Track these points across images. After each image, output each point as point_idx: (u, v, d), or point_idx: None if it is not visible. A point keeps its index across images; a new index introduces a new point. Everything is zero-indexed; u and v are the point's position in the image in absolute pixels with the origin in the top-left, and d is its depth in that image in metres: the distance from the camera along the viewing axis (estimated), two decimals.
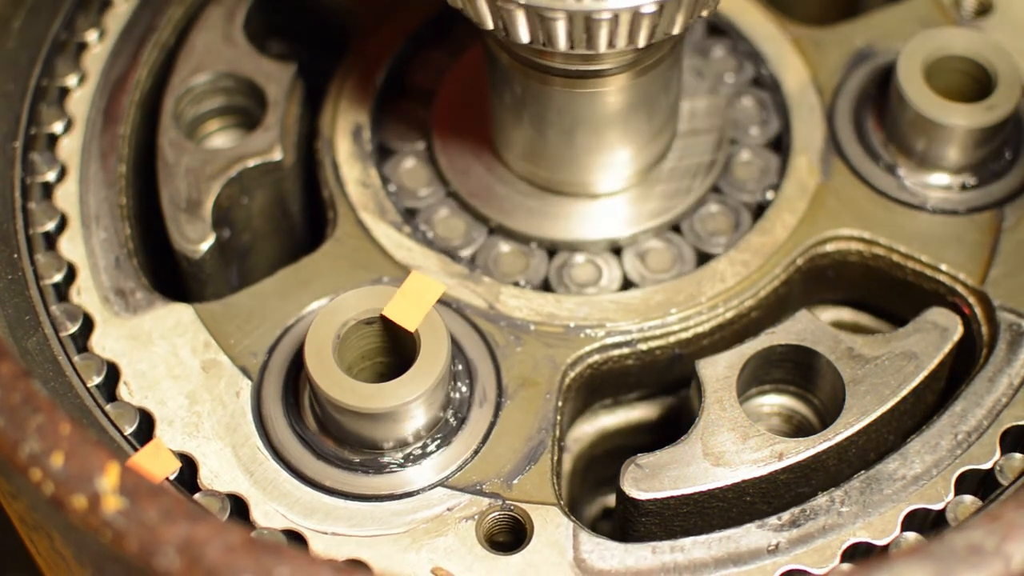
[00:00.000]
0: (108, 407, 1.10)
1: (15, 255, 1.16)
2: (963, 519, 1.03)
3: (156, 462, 1.06)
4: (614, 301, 1.15)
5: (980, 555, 0.79)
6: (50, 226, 1.18)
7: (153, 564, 0.80)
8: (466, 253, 1.19)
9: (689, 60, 1.27)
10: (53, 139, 1.23)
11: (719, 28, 1.30)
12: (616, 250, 1.20)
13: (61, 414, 0.86)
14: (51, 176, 1.20)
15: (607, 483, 1.33)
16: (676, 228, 1.21)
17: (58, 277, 1.15)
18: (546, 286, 1.18)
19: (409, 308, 1.04)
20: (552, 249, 1.20)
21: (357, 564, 1.03)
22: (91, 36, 1.28)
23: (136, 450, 1.07)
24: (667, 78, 1.14)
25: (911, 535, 1.03)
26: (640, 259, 1.19)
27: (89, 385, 1.11)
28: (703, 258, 1.19)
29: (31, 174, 1.20)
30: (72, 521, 0.83)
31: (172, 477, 1.07)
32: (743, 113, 1.26)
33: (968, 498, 1.05)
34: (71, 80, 1.25)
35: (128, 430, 1.09)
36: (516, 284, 1.17)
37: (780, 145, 1.24)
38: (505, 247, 1.20)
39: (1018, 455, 1.06)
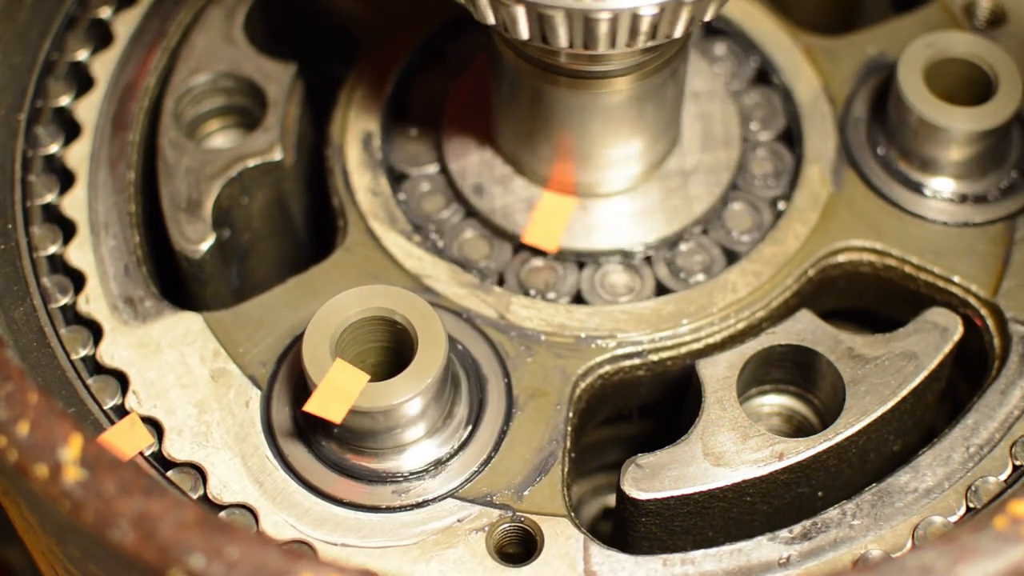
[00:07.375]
0: (90, 380, 1.10)
1: (9, 225, 1.16)
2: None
3: (129, 437, 1.06)
4: (625, 312, 1.15)
5: None
6: (50, 198, 1.19)
7: (107, 536, 0.81)
8: (448, 244, 1.19)
9: (720, 97, 1.26)
10: (59, 112, 1.23)
11: (740, 43, 1.29)
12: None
13: (30, 383, 0.86)
14: (54, 148, 1.21)
15: (596, 472, 1.33)
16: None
17: (66, 286, 1.15)
18: (523, 288, 1.17)
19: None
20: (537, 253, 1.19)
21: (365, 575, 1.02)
22: (104, 13, 1.28)
23: (113, 423, 1.08)
24: (672, 80, 1.14)
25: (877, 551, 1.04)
26: (605, 278, 1.18)
27: (73, 358, 1.11)
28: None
29: (33, 147, 1.21)
30: (34, 489, 0.84)
31: (148, 452, 1.07)
32: (757, 165, 1.23)
33: None
34: (81, 55, 1.25)
35: (108, 404, 1.09)
36: (527, 294, 1.17)
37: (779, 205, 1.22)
38: (481, 241, 1.19)
39: (992, 479, 1.06)
